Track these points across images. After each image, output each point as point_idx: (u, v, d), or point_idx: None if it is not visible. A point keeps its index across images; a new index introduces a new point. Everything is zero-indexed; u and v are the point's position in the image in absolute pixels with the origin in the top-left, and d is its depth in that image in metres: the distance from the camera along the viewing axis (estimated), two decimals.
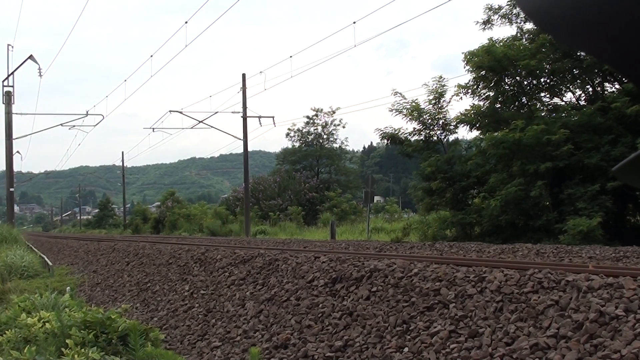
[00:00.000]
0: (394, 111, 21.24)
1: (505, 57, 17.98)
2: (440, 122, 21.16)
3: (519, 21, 19.35)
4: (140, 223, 53.12)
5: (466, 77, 39.54)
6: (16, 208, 58.15)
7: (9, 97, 30.85)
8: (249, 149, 32.30)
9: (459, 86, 20.04)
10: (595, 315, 4.98)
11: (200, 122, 33.09)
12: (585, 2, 0.55)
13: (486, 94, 19.75)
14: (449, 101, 21.00)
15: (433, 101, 20.98)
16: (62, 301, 7.27)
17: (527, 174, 16.62)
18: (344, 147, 48.91)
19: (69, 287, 12.00)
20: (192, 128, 36.87)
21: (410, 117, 21.07)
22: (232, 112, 32.50)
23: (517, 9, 17.46)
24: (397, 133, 21.64)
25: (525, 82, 19.42)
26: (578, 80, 18.94)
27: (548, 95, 19.86)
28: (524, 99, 19.70)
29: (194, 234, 36.99)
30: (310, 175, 45.47)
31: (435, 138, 21.51)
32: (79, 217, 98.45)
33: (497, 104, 19.86)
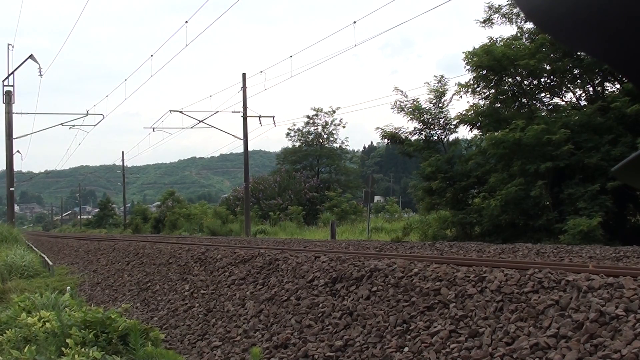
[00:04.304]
0: (395, 109, 21.27)
1: (504, 57, 17.98)
2: (441, 121, 21.17)
3: (519, 21, 19.34)
4: (141, 223, 53.16)
5: (470, 76, 39.51)
6: (16, 208, 58.14)
7: (9, 97, 30.87)
8: (249, 149, 32.32)
9: (460, 85, 20.05)
10: (595, 315, 4.98)
11: (200, 121, 33.11)
12: (585, 2, 0.55)
13: (486, 94, 19.76)
14: (450, 100, 21.03)
15: (434, 100, 21.00)
16: (63, 301, 7.27)
17: (527, 173, 16.62)
18: (344, 146, 48.95)
19: (69, 287, 12.00)
20: (192, 128, 36.87)
21: (411, 116, 21.08)
22: (233, 112, 32.55)
23: (517, 8, 17.45)
24: (398, 132, 21.65)
25: (526, 82, 19.42)
26: (578, 80, 18.93)
27: (548, 95, 19.86)
28: (524, 99, 19.70)
29: (194, 233, 37.00)
30: (310, 175, 45.46)
31: (435, 137, 21.52)
32: (79, 217, 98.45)
33: (497, 103, 19.86)
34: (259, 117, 32.16)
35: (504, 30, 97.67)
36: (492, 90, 19.56)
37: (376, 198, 39.95)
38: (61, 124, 35.34)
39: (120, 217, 73.01)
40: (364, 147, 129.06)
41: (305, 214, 38.82)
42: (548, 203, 16.84)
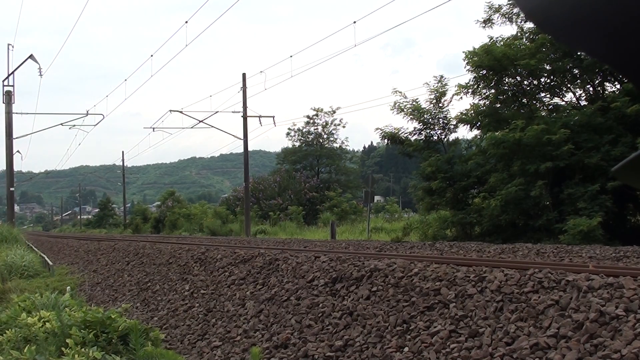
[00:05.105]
0: (395, 110, 21.27)
1: (505, 57, 17.99)
2: (441, 121, 21.17)
3: (519, 21, 19.35)
4: (141, 223, 53.13)
5: (470, 76, 39.42)
6: (16, 207, 58.16)
7: (9, 97, 30.87)
8: (249, 149, 32.32)
9: (460, 86, 20.05)
10: (595, 315, 4.98)
11: (200, 121, 33.11)
12: (585, 2, 0.55)
13: (486, 94, 19.76)
14: (450, 100, 21.03)
15: (434, 100, 20.99)
16: (63, 301, 7.27)
17: (527, 173, 16.62)
18: (344, 147, 48.98)
19: (69, 287, 12.00)
20: (192, 128, 36.87)
21: (411, 116, 21.08)
22: (233, 112, 32.55)
23: (517, 8, 17.41)
24: (398, 133, 21.65)
25: (526, 82, 19.42)
26: (578, 80, 18.93)
27: (548, 95, 19.87)
28: (524, 99, 19.70)
29: (194, 233, 37.00)
30: (310, 175, 45.47)
31: (435, 138, 21.52)
32: (79, 217, 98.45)
33: (497, 103, 19.86)
34: (259, 117, 32.17)
35: (504, 30, 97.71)
36: (492, 90, 19.57)
37: (376, 198, 39.97)
38: (61, 124, 35.37)
39: (120, 217, 73.00)
40: (364, 147, 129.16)
41: (305, 214, 38.82)
42: (548, 203, 16.84)
